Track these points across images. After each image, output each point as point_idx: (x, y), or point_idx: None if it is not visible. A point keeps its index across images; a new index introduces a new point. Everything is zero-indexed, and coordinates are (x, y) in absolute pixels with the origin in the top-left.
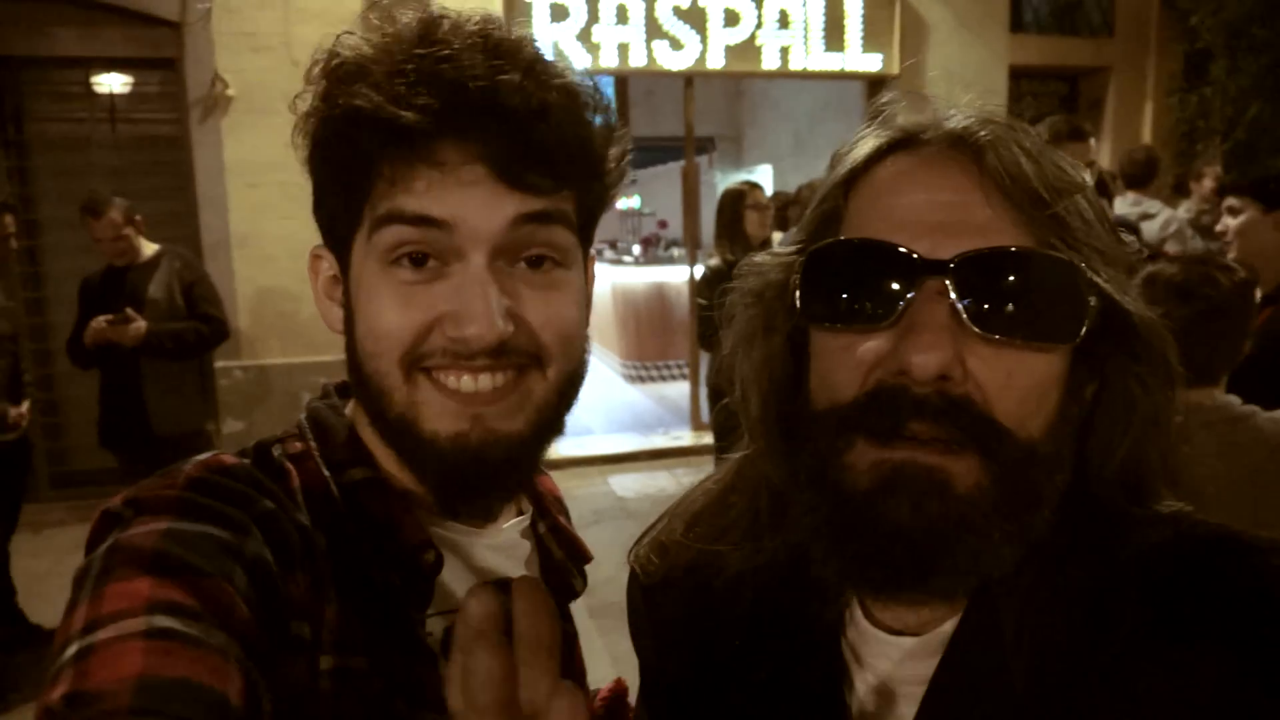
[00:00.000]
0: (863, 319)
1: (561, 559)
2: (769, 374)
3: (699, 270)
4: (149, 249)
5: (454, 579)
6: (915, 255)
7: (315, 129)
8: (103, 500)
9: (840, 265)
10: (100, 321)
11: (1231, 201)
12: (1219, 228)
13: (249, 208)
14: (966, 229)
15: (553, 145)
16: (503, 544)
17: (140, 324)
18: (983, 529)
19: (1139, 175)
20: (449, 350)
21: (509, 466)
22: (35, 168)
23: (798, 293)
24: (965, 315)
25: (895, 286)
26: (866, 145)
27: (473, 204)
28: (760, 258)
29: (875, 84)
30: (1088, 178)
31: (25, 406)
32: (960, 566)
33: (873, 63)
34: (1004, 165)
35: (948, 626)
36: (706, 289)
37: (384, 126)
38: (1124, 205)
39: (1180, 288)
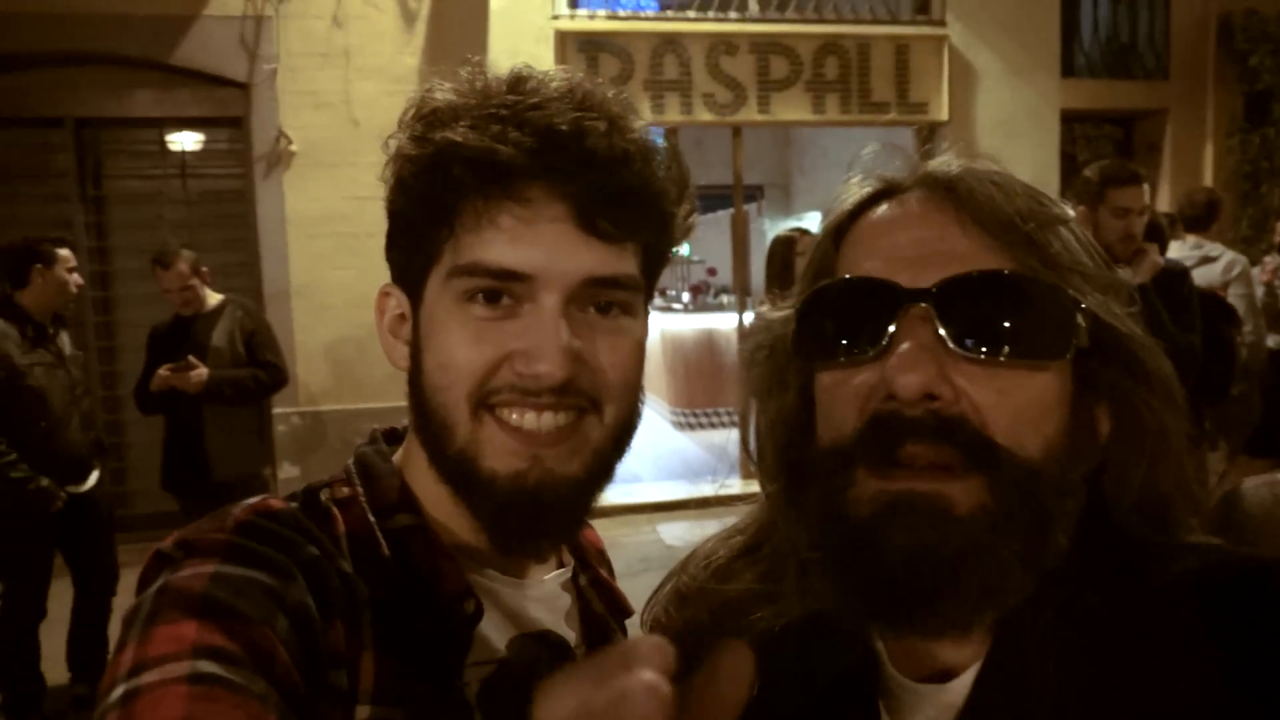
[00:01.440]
0: (854, 352)
1: (602, 612)
2: (784, 427)
3: (749, 317)
4: (213, 299)
5: (493, 629)
6: (897, 285)
7: (402, 167)
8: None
9: (831, 305)
10: (165, 369)
11: (1274, 260)
12: (1261, 276)
13: (308, 258)
14: (946, 258)
15: (631, 192)
16: (544, 595)
17: (202, 371)
18: (989, 550)
19: (1199, 217)
20: (516, 386)
21: (564, 508)
22: (111, 222)
23: (796, 337)
24: (948, 338)
25: (881, 317)
26: (852, 197)
27: (552, 253)
28: (768, 312)
29: (924, 131)
30: (1070, 211)
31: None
32: (968, 592)
33: (921, 109)
34: (977, 197)
35: (970, 675)
36: None
37: (479, 161)
38: (1184, 249)
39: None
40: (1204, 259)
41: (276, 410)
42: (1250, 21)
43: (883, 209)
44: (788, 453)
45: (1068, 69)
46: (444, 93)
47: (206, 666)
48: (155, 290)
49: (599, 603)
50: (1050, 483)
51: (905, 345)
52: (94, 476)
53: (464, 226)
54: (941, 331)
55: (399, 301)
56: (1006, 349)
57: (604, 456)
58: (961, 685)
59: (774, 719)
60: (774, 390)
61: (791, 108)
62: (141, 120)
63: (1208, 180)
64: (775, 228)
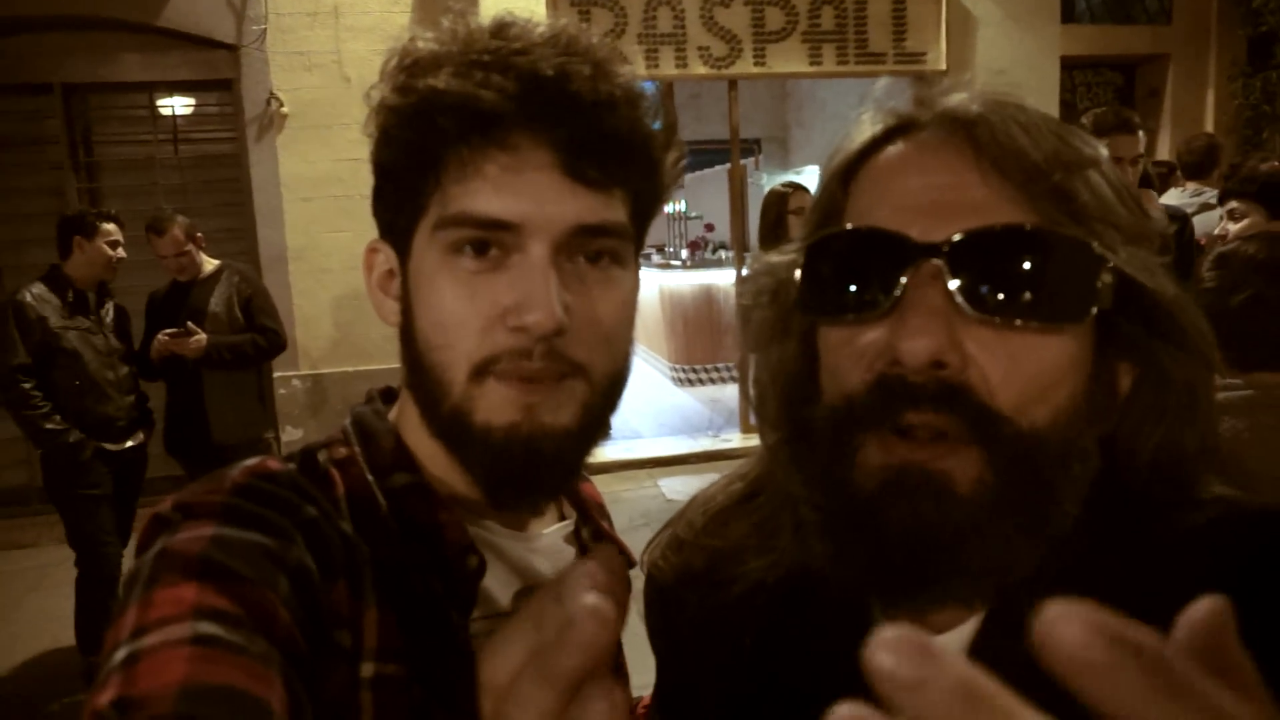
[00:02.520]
0: (861, 309)
1: None
2: (785, 376)
3: (745, 272)
4: (210, 264)
5: (497, 583)
6: (908, 239)
7: (386, 119)
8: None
9: (837, 256)
10: (163, 336)
11: (1235, 205)
12: (1217, 231)
13: (304, 222)
14: (962, 209)
15: (618, 137)
16: (546, 548)
17: (201, 337)
18: (991, 527)
19: (1199, 164)
20: (513, 349)
21: (558, 460)
22: (103, 189)
23: (799, 287)
24: (961, 298)
25: (890, 272)
26: (863, 134)
27: (540, 201)
28: (770, 256)
29: (923, 81)
30: (1104, 152)
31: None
32: (970, 569)
33: (919, 59)
34: (999, 140)
35: (969, 626)
36: None
37: (462, 109)
38: (1183, 196)
39: (1265, 264)
40: (1204, 206)
41: (278, 374)
42: None
43: (895, 148)
44: (790, 402)
45: (1068, 14)
46: (426, 42)
47: (207, 628)
48: (152, 257)
49: None
50: (1055, 453)
51: (914, 308)
52: (132, 440)
53: (450, 177)
54: (954, 291)
55: (387, 257)
56: (1023, 312)
57: (595, 410)
58: (958, 638)
59: (766, 670)
60: (775, 337)
61: (788, 59)
62: (130, 85)
63: (1209, 126)
64: (773, 182)
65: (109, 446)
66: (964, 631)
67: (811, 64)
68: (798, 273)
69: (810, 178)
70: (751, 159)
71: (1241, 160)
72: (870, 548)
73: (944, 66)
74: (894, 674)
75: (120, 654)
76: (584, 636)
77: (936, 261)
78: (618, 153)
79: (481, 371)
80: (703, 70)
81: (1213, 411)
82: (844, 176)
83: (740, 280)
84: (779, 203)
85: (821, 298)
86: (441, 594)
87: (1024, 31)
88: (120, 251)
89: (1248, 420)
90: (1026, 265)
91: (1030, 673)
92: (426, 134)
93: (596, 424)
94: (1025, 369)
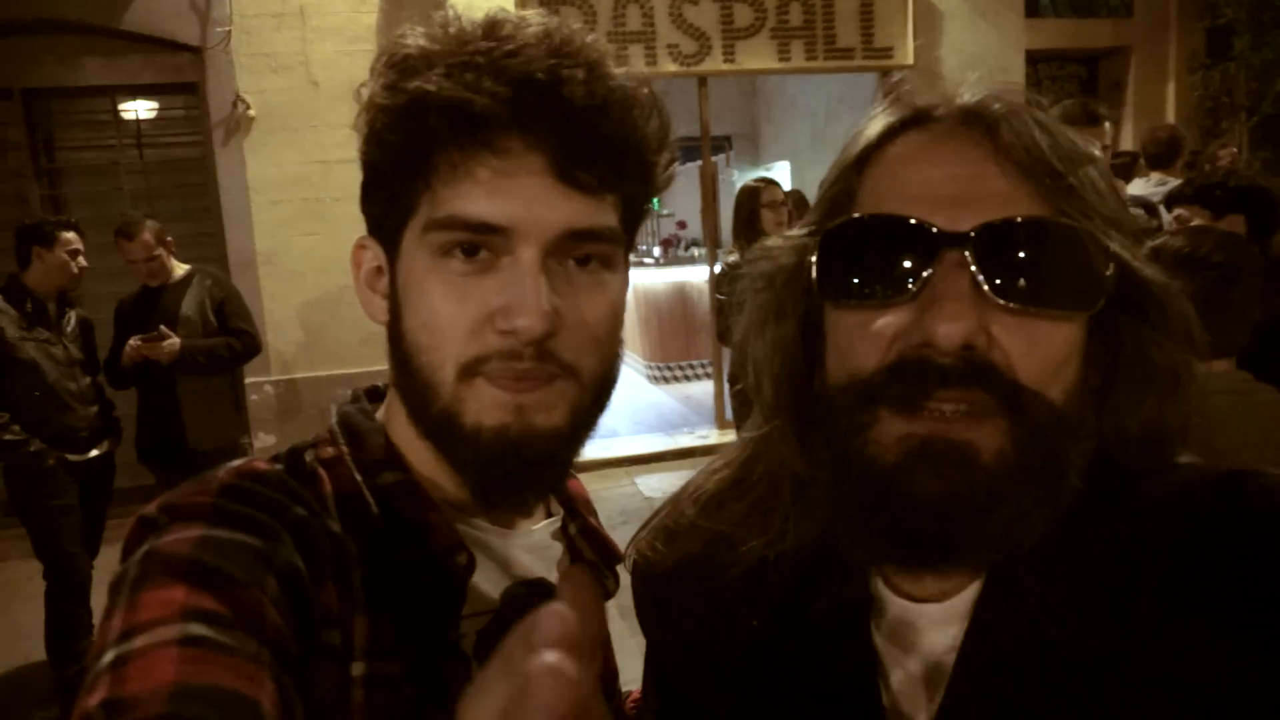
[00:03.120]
0: (882, 294)
1: (593, 559)
2: (782, 357)
3: (719, 269)
4: (180, 269)
5: (486, 581)
6: (934, 228)
7: (376, 117)
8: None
9: (857, 242)
10: (135, 341)
11: (1180, 212)
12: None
13: (273, 225)
14: (983, 200)
15: (609, 141)
16: (534, 545)
17: (175, 341)
18: (1011, 497)
19: (1162, 155)
20: (502, 351)
21: (546, 461)
22: (67, 196)
23: (814, 273)
24: (986, 285)
25: (914, 260)
26: (879, 124)
27: (530, 205)
28: (771, 241)
29: (890, 75)
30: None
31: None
32: (991, 537)
33: (886, 54)
34: (1019, 137)
35: (971, 591)
36: (726, 284)
37: (453, 111)
38: (1147, 185)
39: (1190, 258)
40: (1168, 195)
41: (249, 379)
42: None
43: (913, 140)
44: (788, 383)
45: (1031, 8)
46: (416, 39)
47: (197, 629)
48: (119, 264)
49: (590, 551)
50: (1068, 427)
51: (946, 294)
52: (97, 449)
53: (440, 179)
54: (979, 278)
55: (375, 254)
56: (1042, 299)
57: (584, 411)
58: (959, 604)
59: (767, 646)
60: (772, 320)
61: (757, 56)
62: (92, 89)
63: (1170, 117)
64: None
65: (72, 457)
66: (965, 598)
67: (780, 60)
68: (811, 257)
69: (781, 173)
70: (722, 156)
71: (1202, 148)
72: (893, 517)
73: (911, 61)
74: None
75: (108, 656)
76: (544, 699)
77: (962, 250)
78: (610, 157)
79: (470, 372)
80: (672, 68)
81: (1193, 391)
82: (858, 165)
83: (722, 273)
84: (752, 198)
85: (840, 281)
86: (431, 592)
87: (989, 25)
88: (81, 260)
89: (1202, 407)
90: (1046, 256)
91: (1030, 636)
92: (416, 135)
93: (585, 425)
94: (1042, 351)
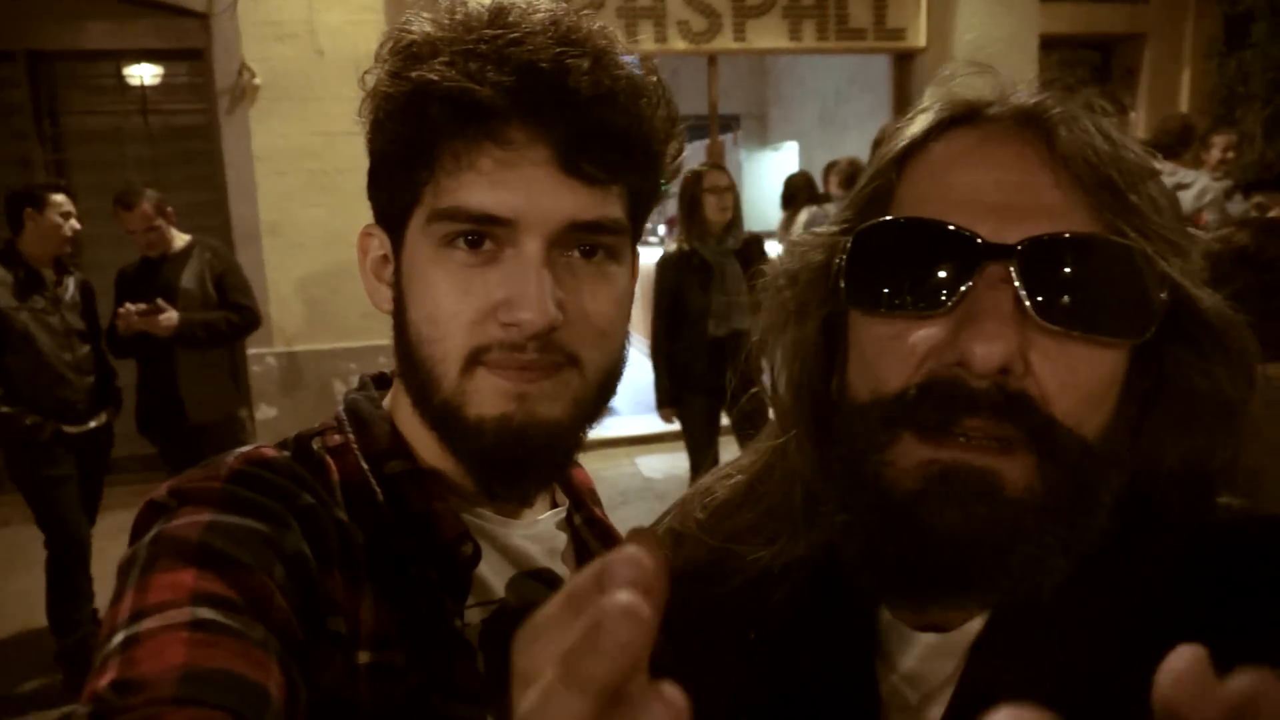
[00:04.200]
0: (916, 305)
1: (599, 550)
2: (801, 361)
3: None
4: (180, 240)
5: (491, 570)
6: (978, 238)
7: (380, 106)
8: (140, 487)
9: (892, 246)
10: (130, 310)
11: (1259, 199)
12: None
13: (278, 196)
14: (1033, 212)
15: (616, 132)
16: (539, 535)
17: (172, 314)
18: (1036, 534)
19: (1173, 144)
20: (505, 343)
21: (548, 452)
22: (71, 160)
23: (842, 275)
24: (1029, 305)
25: (954, 271)
26: (925, 119)
27: (534, 196)
28: (801, 236)
29: (902, 58)
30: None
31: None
32: (1010, 575)
33: (899, 35)
34: (1078, 146)
35: (974, 624)
36: (667, 274)
37: (456, 102)
38: None
39: (1254, 258)
40: (1177, 186)
41: (251, 351)
42: None
43: (961, 140)
44: (806, 392)
45: None
46: (422, 25)
47: (206, 613)
48: (120, 231)
49: (595, 541)
50: (1102, 464)
51: (987, 312)
52: (95, 420)
53: (444, 169)
54: (1022, 296)
55: (381, 243)
56: (1089, 324)
57: (588, 402)
58: (962, 637)
59: (768, 657)
60: (793, 320)
61: (768, 35)
62: (97, 53)
63: (1184, 105)
64: (752, 158)
65: (69, 429)
66: (968, 631)
67: (792, 40)
68: (840, 257)
69: (789, 154)
70: (730, 135)
71: (1205, 133)
72: (908, 547)
73: (923, 43)
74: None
75: (119, 637)
76: (616, 641)
77: (1008, 265)
78: (616, 148)
79: (473, 361)
80: (682, 45)
81: (1244, 425)
82: (899, 161)
83: (661, 262)
84: (693, 183)
85: (871, 288)
86: (436, 581)
87: (1003, 8)
88: (74, 223)
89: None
90: (1096, 277)
91: (1033, 669)
92: (419, 125)
93: (589, 416)
94: (1081, 381)
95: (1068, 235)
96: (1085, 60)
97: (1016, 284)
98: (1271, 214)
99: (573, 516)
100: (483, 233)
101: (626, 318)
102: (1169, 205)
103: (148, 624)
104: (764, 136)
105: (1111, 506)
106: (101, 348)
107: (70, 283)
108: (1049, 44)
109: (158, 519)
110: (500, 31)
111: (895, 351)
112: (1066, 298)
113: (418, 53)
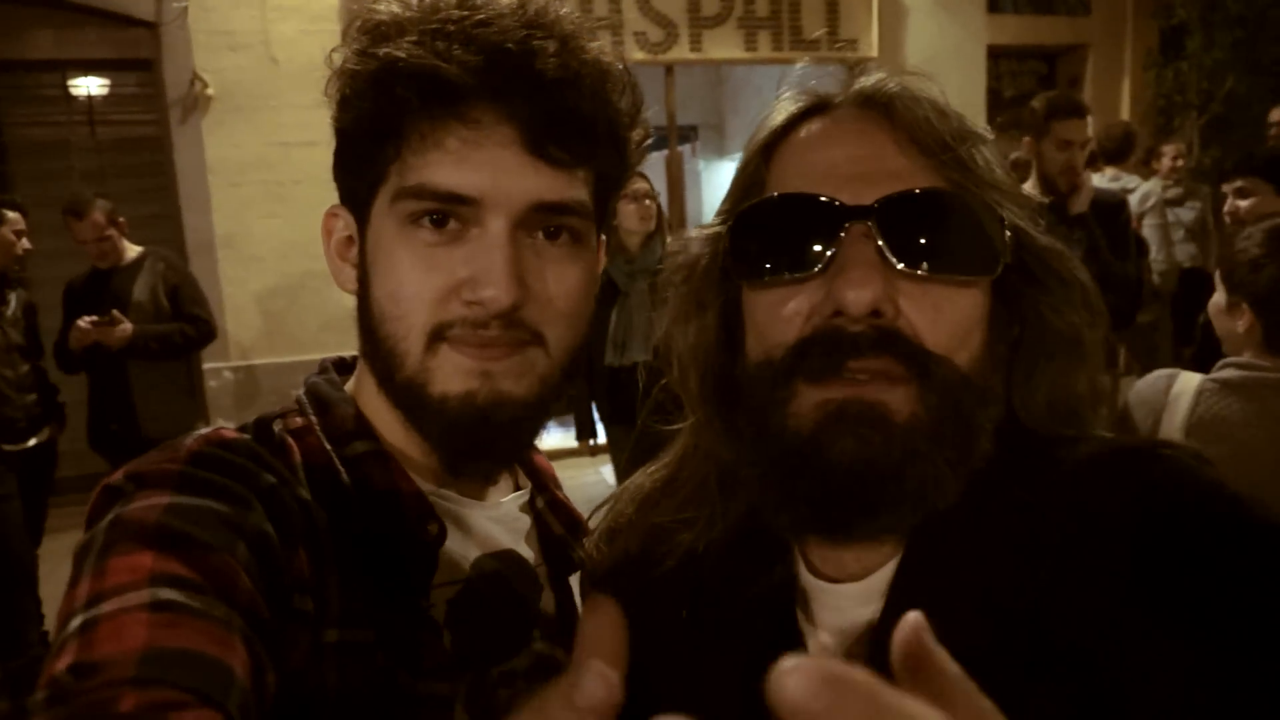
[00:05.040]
0: (793, 269)
1: (561, 533)
2: (704, 347)
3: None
4: (132, 251)
5: (456, 551)
6: (838, 203)
7: (347, 83)
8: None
9: (767, 222)
10: (85, 323)
11: (1239, 183)
12: (1226, 209)
13: (233, 207)
14: (884, 176)
15: (581, 115)
16: (502, 516)
17: (126, 326)
18: (926, 456)
19: (1116, 150)
20: (468, 320)
21: (512, 429)
22: (14, 173)
23: (728, 255)
24: (891, 254)
25: (823, 235)
26: (782, 112)
27: (499, 177)
28: (690, 233)
29: (855, 67)
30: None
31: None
32: (908, 498)
33: (851, 46)
34: (914, 116)
35: (887, 570)
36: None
37: (423, 79)
38: (1102, 180)
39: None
40: (1121, 190)
41: (207, 365)
42: None
43: (816, 125)
44: (711, 372)
45: (993, 4)
46: (390, 5)
47: (166, 593)
48: (67, 245)
49: (557, 524)
50: (976, 392)
51: (853, 263)
52: (36, 438)
53: (410, 148)
54: (884, 248)
55: (346, 223)
56: (945, 266)
57: (551, 382)
58: (877, 582)
59: (698, 633)
60: (693, 312)
61: (724, 45)
62: (42, 63)
63: (1125, 114)
64: (710, 168)
65: (8, 447)
66: (882, 576)
67: (747, 50)
68: (721, 245)
69: None
70: (688, 145)
71: (1154, 144)
72: (816, 481)
73: (875, 53)
74: (806, 705)
75: (76, 621)
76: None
77: (867, 222)
78: (582, 131)
79: (435, 338)
80: (639, 56)
81: (1100, 356)
82: (765, 151)
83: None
84: None
85: (753, 263)
86: (402, 560)
87: (952, 20)
88: (25, 242)
89: (1257, 404)
90: (945, 224)
91: (944, 607)
92: (386, 103)
93: (552, 395)
94: (947, 318)
95: (917, 191)
96: (1031, 70)
97: (877, 238)
98: (1254, 199)
99: (535, 499)
100: (447, 212)
101: (591, 300)
102: (1000, 165)
103: (106, 607)
104: (722, 147)
105: (992, 435)
106: (41, 365)
107: (13, 299)
108: (996, 54)
109: (115, 503)
110: (468, 13)
111: (782, 314)
112: (922, 245)
113: (386, 31)
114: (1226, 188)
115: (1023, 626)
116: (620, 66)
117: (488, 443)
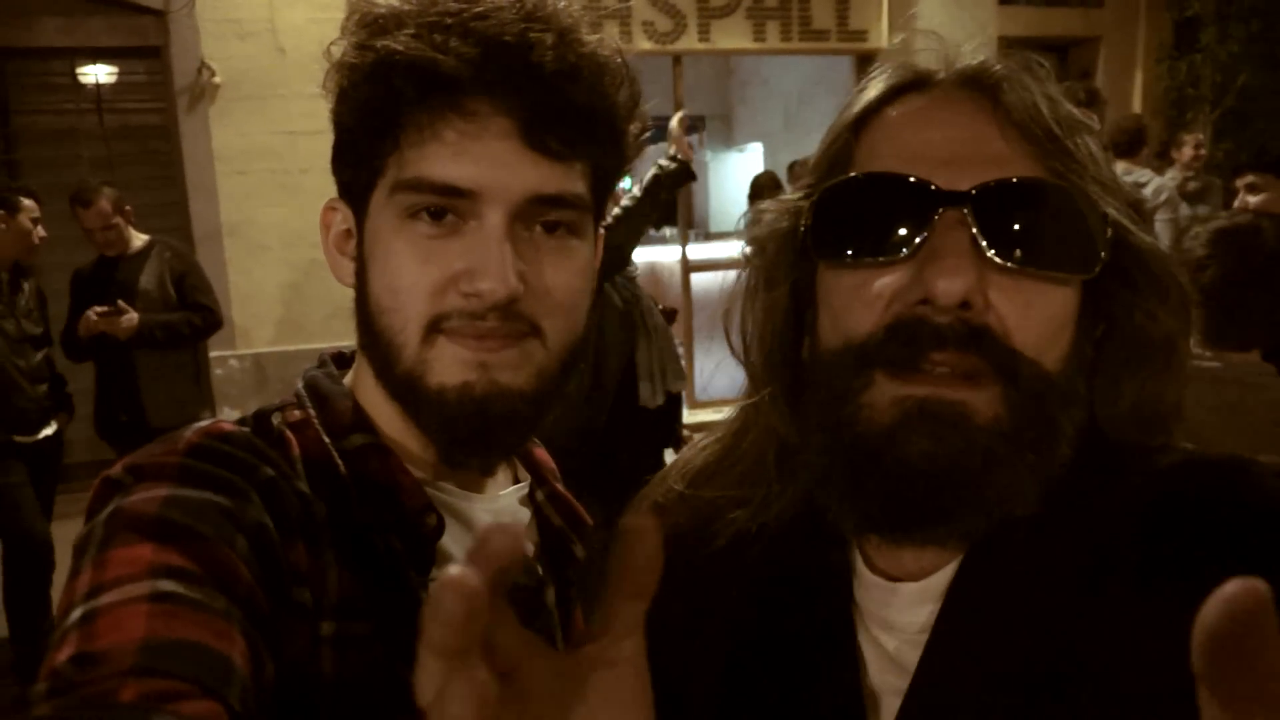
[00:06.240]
0: (880, 253)
1: (561, 526)
2: (773, 323)
3: (691, 250)
4: (139, 240)
5: (455, 544)
6: (933, 186)
7: (345, 76)
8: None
9: (854, 201)
10: (93, 313)
11: (1251, 179)
12: (1236, 204)
13: (239, 196)
14: (982, 161)
15: (579, 108)
16: (501, 509)
17: (133, 316)
18: (1006, 461)
19: (1127, 144)
20: (464, 311)
21: (511, 420)
22: (23, 160)
23: (809, 232)
24: (985, 244)
25: (914, 218)
26: (878, 86)
27: (497, 169)
28: (767, 204)
29: (864, 59)
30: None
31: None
32: (984, 504)
33: (861, 37)
34: (1020, 101)
35: (947, 571)
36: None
37: (420, 72)
38: None
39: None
40: (1133, 185)
41: (214, 354)
42: None
43: (913, 103)
44: (778, 351)
45: None
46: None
47: (166, 585)
48: (75, 233)
49: (557, 517)
50: (1062, 395)
51: (946, 251)
52: (46, 430)
53: (407, 140)
54: (978, 237)
55: (345, 216)
56: (1041, 261)
57: (549, 375)
58: (936, 584)
59: (747, 616)
60: (763, 286)
61: (732, 35)
62: (50, 50)
63: (1136, 106)
64: (718, 159)
65: (20, 439)
66: (941, 577)
67: (756, 40)
68: (805, 218)
69: (754, 155)
70: (696, 135)
71: (1168, 138)
72: (888, 481)
73: (885, 44)
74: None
75: (76, 613)
76: (441, 610)
77: (962, 209)
78: (579, 124)
79: (432, 329)
80: (647, 45)
81: (1187, 361)
82: (855, 126)
83: (685, 266)
84: None
85: (835, 242)
86: (400, 553)
87: (963, 11)
88: (40, 230)
89: (1212, 394)
90: (1044, 217)
91: (1004, 616)
92: (384, 95)
93: (550, 388)
94: (1038, 315)
95: (1015, 180)
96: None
97: (972, 226)
98: (1264, 196)
99: (534, 492)
100: (445, 205)
101: (588, 293)
102: (1104, 158)
103: (106, 599)
104: (729, 138)
105: (1074, 444)
106: (50, 356)
107: (26, 288)
108: (1007, 46)
109: (114, 495)
110: (466, 6)
111: (863, 298)
112: (1018, 237)
113: (383, 24)
114: (1238, 183)
115: (1083, 651)
116: (619, 59)
117: (485, 434)
